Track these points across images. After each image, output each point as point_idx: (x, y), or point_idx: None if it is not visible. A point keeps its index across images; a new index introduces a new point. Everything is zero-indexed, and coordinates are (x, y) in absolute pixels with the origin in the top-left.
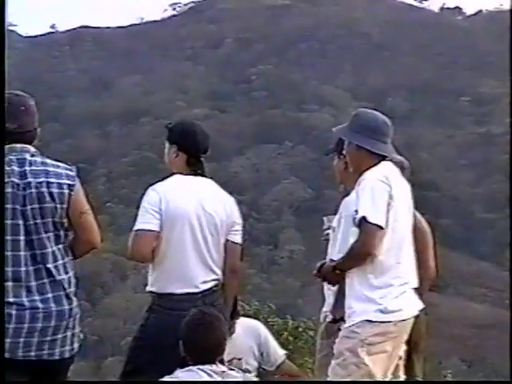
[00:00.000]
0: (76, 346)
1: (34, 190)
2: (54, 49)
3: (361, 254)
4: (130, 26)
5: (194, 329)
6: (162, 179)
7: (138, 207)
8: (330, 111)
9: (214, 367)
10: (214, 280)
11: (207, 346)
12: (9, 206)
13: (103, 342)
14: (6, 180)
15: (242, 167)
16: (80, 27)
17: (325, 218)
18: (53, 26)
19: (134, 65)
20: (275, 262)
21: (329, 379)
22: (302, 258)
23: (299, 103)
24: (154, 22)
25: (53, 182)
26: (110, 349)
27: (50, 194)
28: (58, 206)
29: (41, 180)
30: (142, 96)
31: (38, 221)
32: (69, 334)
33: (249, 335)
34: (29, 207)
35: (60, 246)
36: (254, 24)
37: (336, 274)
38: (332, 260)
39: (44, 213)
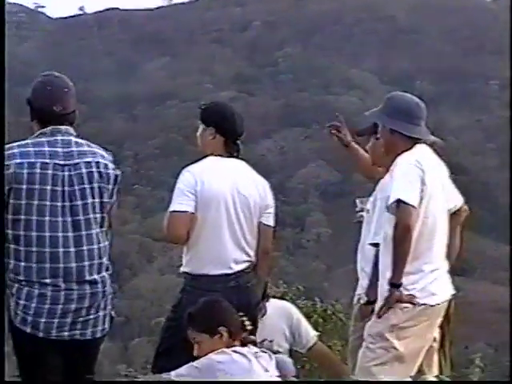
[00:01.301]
0: (107, 325)
1: (84, 170)
2: (82, 31)
3: (403, 235)
4: (158, 8)
5: (230, 309)
6: (196, 161)
7: (170, 189)
8: (357, 94)
9: (246, 348)
10: (247, 261)
11: (239, 321)
12: (48, 187)
13: (130, 322)
14: (47, 161)
15: (268, 150)
16: (108, 9)
17: (357, 200)
18: (81, 8)
19: (161, 47)
20: (301, 244)
21: (358, 362)
22: (328, 241)
23: (326, 86)
24: (182, 4)
25: (100, 162)
26: (137, 330)
27: (99, 173)
28: (107, 186)
29: (89, 160)
30: (168, 79)
31: (88, 201)
32: (101, 314)
33: (280, 316)
34: (77, 187)
35: (103, 229)
36: (281, 7)
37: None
38: (373, 244)
39: (94, 192)
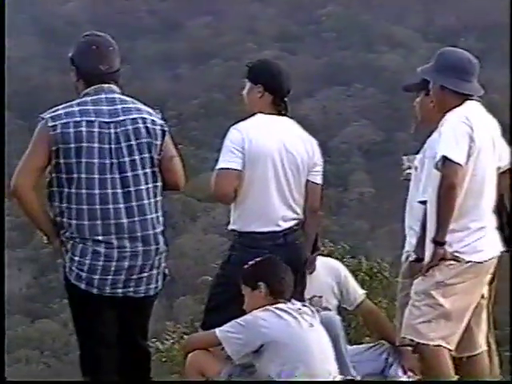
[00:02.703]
0: (160, 283)
1: (129, 127)
2: None
3: (448, 193)
4: None
5: (271, 265)
6: (242, 120)
7: (213, 149)
8: (400, 52)
9: (289, 305)
10: (294, 219)
11: (287, 283)
12: (95, 145)
13: (175, 281)
14: (93, 119)
15: (311, 109)
16: None
17: (404, 158)
18: None
19: (204, 6)
20: (344, 204)
21: (405, 319)
22: (371, 200)
23: (369, 44)
24: None
25: (147, 118)
26: (182, 288)
27: (146, 129)
28: (154, 141)
29: (135, 116)
30: (211, 37)
31: (135, 157)
32: (154, 272)
33: (329, 274)
34: (124, 144)
35: (157, 184)
36: None
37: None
38: (421, 201)
39: (141, 148)
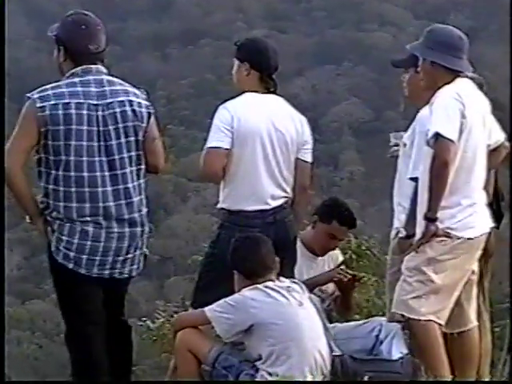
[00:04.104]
0: (142, 264)
1: (117, 110)
2: None
3: (441, 170)
4: None
5: (240, 252)
6: (230, 98)
7: (203, 129)
8: (389, 30)
9: (277, 283)
10: (284, 197)
11: (256, 263)
12: (84, 127)
13: (165, 261)
14: (82, 101)
15: (301, 88)
16: None
17: (391, 135)
18: None
19: None
20: (335, 183)
21: (395, 295)
22: (362, 178)
23: (359, 23)
24: None
25: (133, 101)
26: (173, 268)
27: (133, 111)
28: (141, 124)
29: (122, 99)
30: (201, 17)
31: (121, 140)
32: (138, 253)
33: (330, 259)
34: (111, 127)
35: (141, 167)
36: None
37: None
38: (412, 178)
39: (128, 131)
